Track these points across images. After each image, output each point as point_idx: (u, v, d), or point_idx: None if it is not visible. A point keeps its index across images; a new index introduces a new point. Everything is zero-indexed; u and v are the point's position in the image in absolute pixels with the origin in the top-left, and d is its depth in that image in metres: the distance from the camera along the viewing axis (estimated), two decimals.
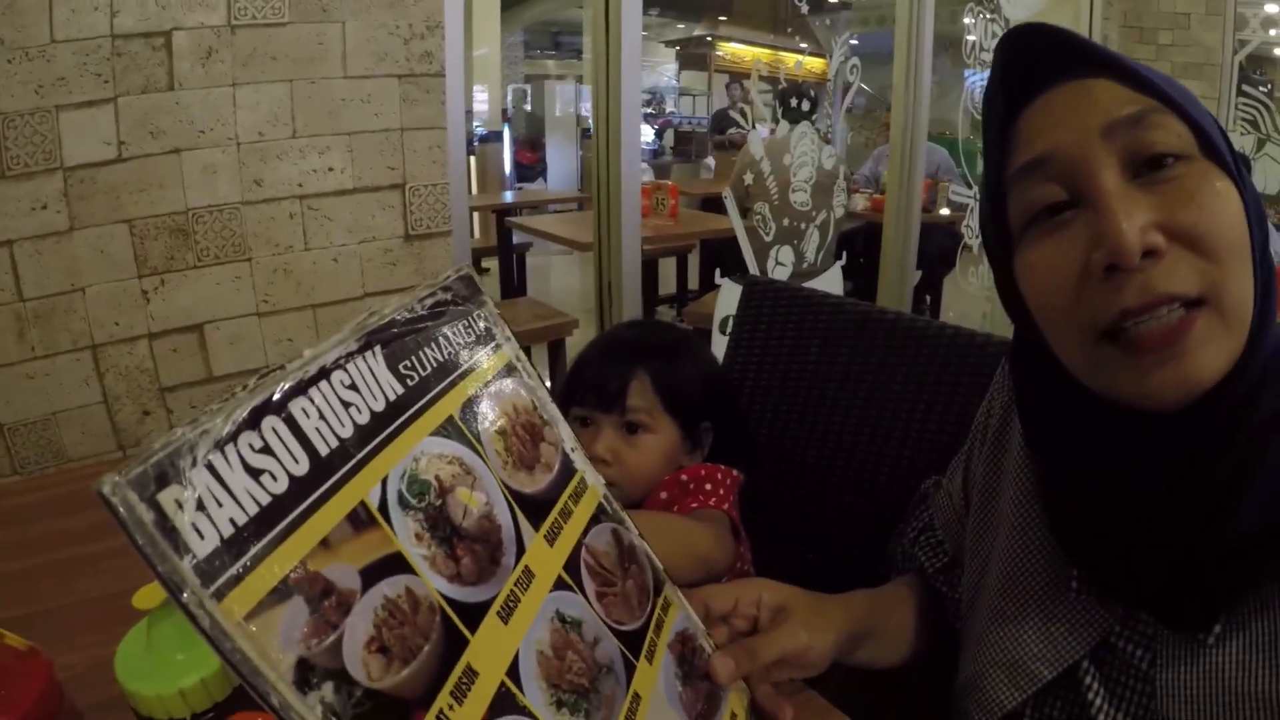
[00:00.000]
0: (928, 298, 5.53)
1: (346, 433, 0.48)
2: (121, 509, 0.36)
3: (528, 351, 0.68)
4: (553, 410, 0.68)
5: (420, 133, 2.08)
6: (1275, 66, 5.30)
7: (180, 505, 0.38)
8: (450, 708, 0.47)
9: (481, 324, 0.64)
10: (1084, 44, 0.69)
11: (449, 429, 0.56)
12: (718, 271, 2.97)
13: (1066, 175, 0.68)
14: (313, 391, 0.47)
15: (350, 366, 0.50)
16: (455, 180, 2.11)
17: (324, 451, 0.46)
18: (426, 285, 0.61)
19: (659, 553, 0.80)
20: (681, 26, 13.33)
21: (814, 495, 1.42)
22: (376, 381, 0.52)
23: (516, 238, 5.50)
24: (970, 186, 3.79)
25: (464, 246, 2.18)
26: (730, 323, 1.61)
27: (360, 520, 0.46)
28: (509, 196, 7.25)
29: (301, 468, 0.44)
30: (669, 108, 12.83)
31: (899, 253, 3.58)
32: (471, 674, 0.49)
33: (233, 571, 0.39)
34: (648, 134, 10.12)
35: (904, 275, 3.61)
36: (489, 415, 0.61)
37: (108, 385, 1.91)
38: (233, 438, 0.42)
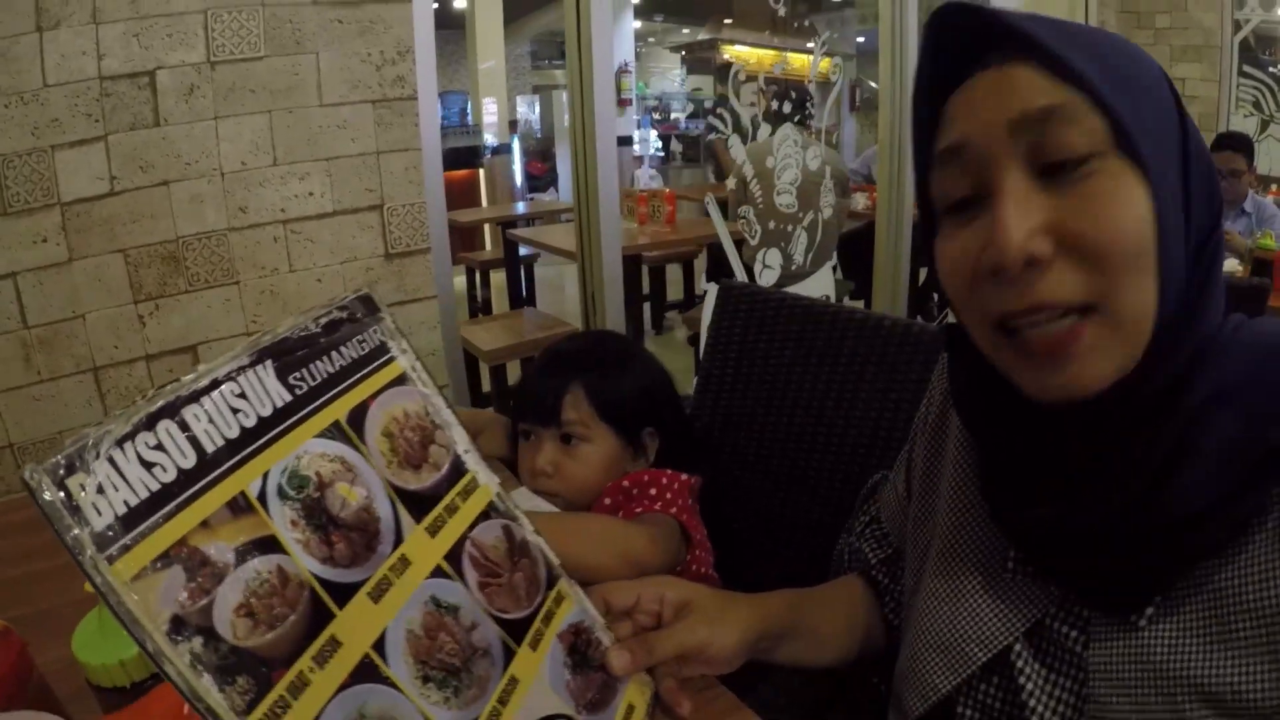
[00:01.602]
0: (935, 294, 5.54)
1: (233, 434, 0.57)
2: (36, 489, 0.46)
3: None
4: (446, 416, 0.74)
5: (396, 155, 2.16)
6: None
7: (83, 488, 0.48)
8: (310, 670, 0.54)
9: (377, 339, 0.71)
10: (1009, 25, 0.66)
11: (334, 431, 0.63)
12: (703, 277, 3.01)
13: (976, 168, 0.67)
14: (204, 399, 0.56)
15: (241, 378, 0.59)
16: (432, 198, 2.18)
17: (210, 450, 0.55)
18: (323, 306, 0.68)
19: (580, 552, 0.89)
20: (686, 31, 13.36)
21: (791, 497, 1.44)
22: (265, 391, 0.60)
23: (524, 249, 5.59)
24: None
25: (444, 262, 2.25)
26: None
27: (239, 507, 0.55)
28: (521, 207, 7.29)
29: (189, 462, 0.53)
30: (674, 114, 12.84)
31: (891, 251, 3.61)
32: (335, 644, 0.56)
33: (123, 542, 0.48)
34: (655, 141, 10.13)
35: (898, 273, 3.63)
36: (377, 420, 0.68)
37: (110, 405, 2.01)
38: (130, 436, 0.51)
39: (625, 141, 9.51)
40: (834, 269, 4.21)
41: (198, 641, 0.50)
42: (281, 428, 0.60)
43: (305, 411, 0.62)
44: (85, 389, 1.99)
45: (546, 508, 1.23)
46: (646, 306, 5.88)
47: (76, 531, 0.47)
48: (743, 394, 1.53)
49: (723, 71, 3.00)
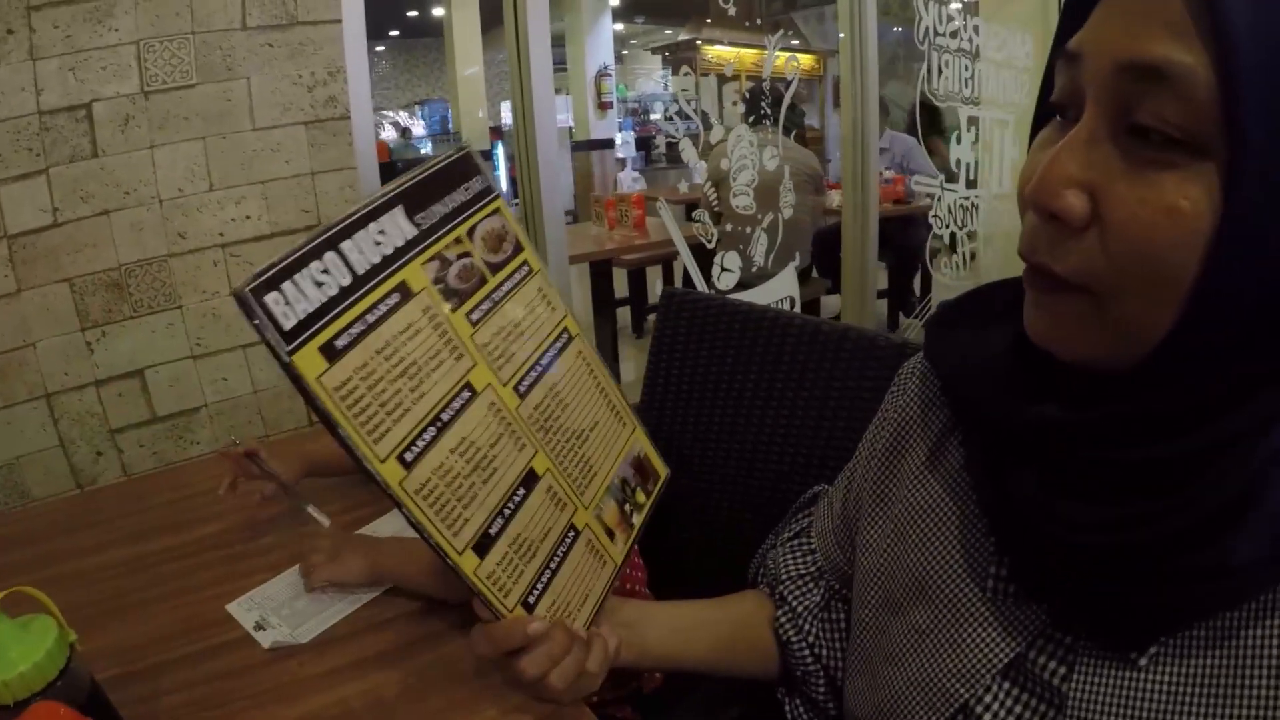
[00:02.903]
0: (916, 289, 5.56)
1: (377, 260, 0.75)
2: (248, 303, 0.66)
3: None
4: (514, 230, 0.91)
5: (330, 174, 2.19)
6: None
7: (277, 302, 0.67)
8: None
9: (480, 185, 0.87)
10: None
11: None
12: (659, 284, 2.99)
13: (1080, 86, 0.59)
14: (356, 235, 0.74)
15: (382, 219, 0.77)
16: None
17: (361, 271, 0.74)
18: (440, 157, 0.85)
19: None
20: (668, 32, 13.35)
21: (735, 505, 1.45)
22: (399, 228, 0.78)
23: None
24: (936, 176, 3.77)
25: None
26: None
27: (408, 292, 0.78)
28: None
29: (346, 280, 0.73)
30: (654, 115, 12.82)
31: (859, 248, 3.59)
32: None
33: (301, 338, 0.69)
34: (631, 144, 10.13)
35: (865, 270, 3.62)
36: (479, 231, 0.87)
37: (62, 430, 2.05)
38: (304, 264, 0.70)
39: (607, 144, 9.54)
40: (810, 269, 4.24)
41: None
42: (412, 254, 0.79)
43: (428, 241, 0.81)
44: (39, 415, 2.02)
45: None
46: (627, 310, 5.93)
47: (274, 334, 0.67)
48: (686, 401, 1.54)
49: (681, 68, 3.00)
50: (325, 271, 0.71)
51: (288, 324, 0.68)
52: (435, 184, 0.82)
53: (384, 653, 1.00)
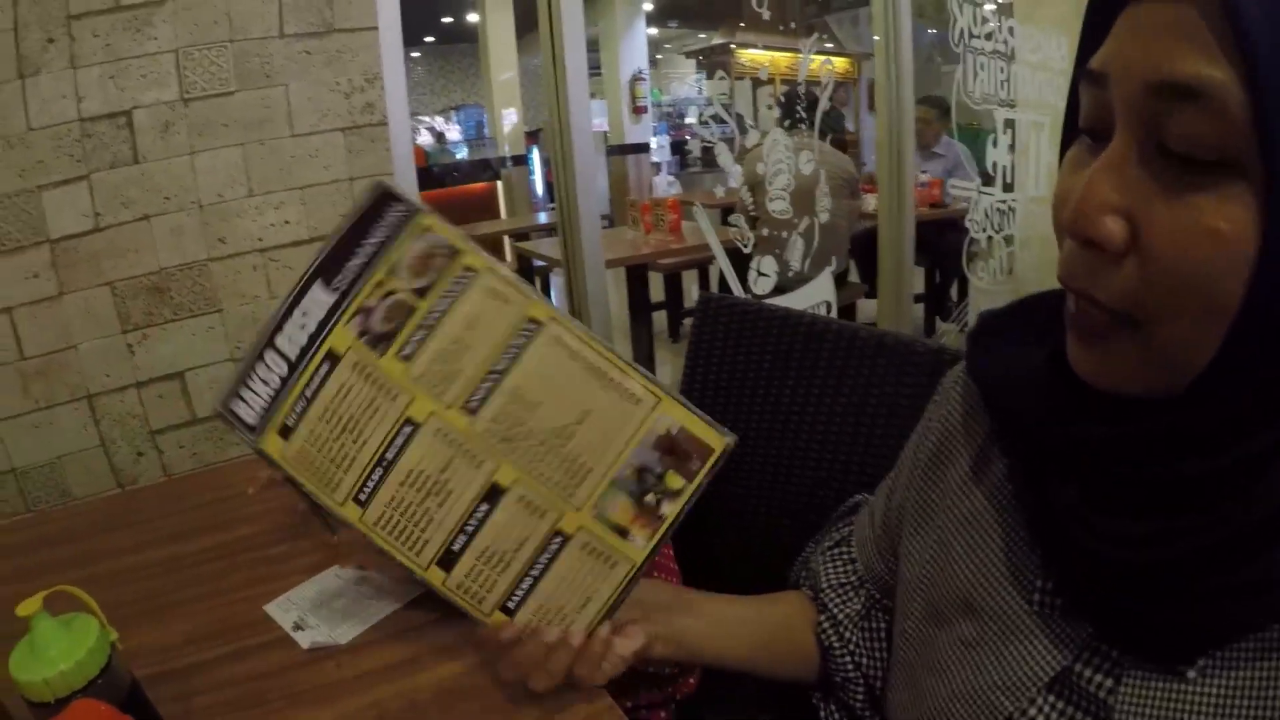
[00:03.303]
0: (953, 294, 5.52)
1: (304, 342, 0.85)
2: (224, 416, 0.86)
3: None
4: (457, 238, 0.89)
5: (368, 180, 2.20)
6: None
7: (239, 406, 0.87)
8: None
9: (400, 214, 0.86)
10: None
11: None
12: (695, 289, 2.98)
13: (1107, 107, 0.58)
14: (285, 325, 0.85)
15: (304, 301, 0.85)
16: None
17: (293, 357, 0.85)
18: (354, 209, 0.85)
19: None
20: (702, 36, 13.35)
21: (772, 511, 1.44)
22: (317, 303, 0.85)
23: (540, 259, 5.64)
24: (974, 180, 3.74)
25: None
26: None
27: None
28: (543, 218, 7.33)
29: (284, 371, 0.85)
30: (689, 119, 12.81)
31: (895, 253, 3.58)
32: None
33: (263, 429, 0.86)
34: (665, 148, 10.12)
35: (901, 274, 3.60)
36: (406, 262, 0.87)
37: (104, 431, 2.09)
38: (253, 369, 0.86)
39: (642, 149, 9.55)
40: (846, 273, 4.22)
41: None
42: (337, 316, 0.85)
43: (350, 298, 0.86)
44: (80, 415, 2.06)
45: None
46: (664, 314, 5.93)
47: (244, 433, 0.86)
48: (724, 406, 1.53)
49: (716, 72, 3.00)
50: (268, 368, 0.85)
51: (251, 421, 0.86)
52: (354, 235, 0.85)
53: (420, 655, 1.00)
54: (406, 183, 2.23)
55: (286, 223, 2.15)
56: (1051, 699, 0.68)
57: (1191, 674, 0.60)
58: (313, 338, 0.84)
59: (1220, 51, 0.50)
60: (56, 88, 1.92)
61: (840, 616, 1.00)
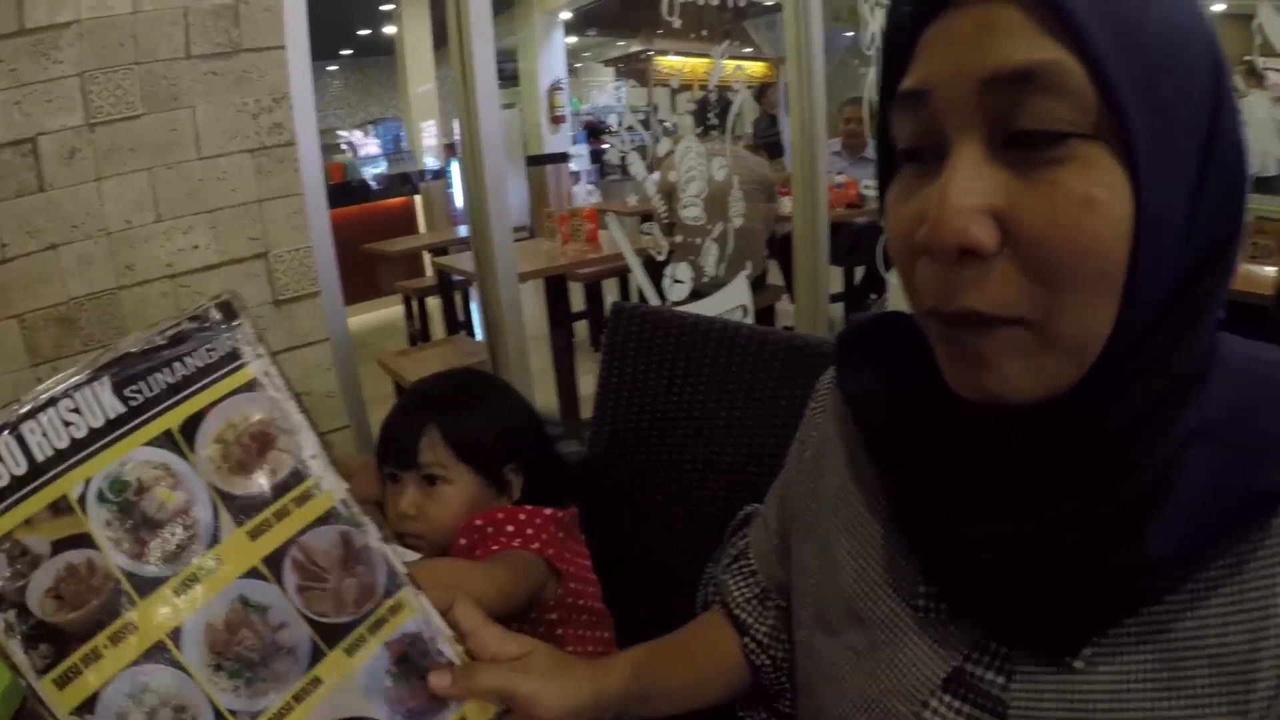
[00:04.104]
0: (873, 295, 5.55)
1: (63, 445, 0.66)
2: None
3: None
4: (295, 421, 0.75)
5: (278, 201, 2.19)
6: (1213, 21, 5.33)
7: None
8: (105, 646, 0.64)
9: (228, 346, 0.74)
10: None
11: (163, 440, 0.69)
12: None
13: (934, 122, 0.57)
14: (41, 415, 0.65)
15: (77, 395, 0.67)
16: (319, 241, 2.21)
17: (40, 458, 0.65)
18: (174, 317, 0.73)
19: None
20: (621, 44, 13.38)
21: (691, 518, 1.45)
22: (99, 404, 0.67)
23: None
24: None
25: (335, 303, 2.27)
26: None
27: (60, 508, 0.65)
28: (463, 231, 7.27)
29: (20, 469, 0.64)
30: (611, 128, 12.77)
31: (810, 254, 3.57)
32: (132, 628, 0.65)
33: None
34: (585, 157, 10.13)
35: (816, 275, 3.60)
36: (213, 426, 0.72)
37: None
38: None
39: (560, 159, 9.55)
40: (764, 277, 4.26)
41: (12, 613, 0.62)
42: (111, 438, 0.67)
43: (137, 421, 0.69)
44: None
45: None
46: (585, 324, 5.94)
47: None
48: (638, 416, 1.53)
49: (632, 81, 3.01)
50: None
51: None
52: (171, 344, 0.72)
53: None
54: (316, 203, 2.21)
55: (196, 247, 2.13)
56: (948, 699, 0.69)
57: (1078, 664, 0.61)
58: (78, 445, 0.67)
59: (1047, 37, 0.52)
60: None
61: (761, 635, 0.98)
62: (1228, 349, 0.61)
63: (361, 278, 7.26)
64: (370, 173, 9.33)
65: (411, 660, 0.75)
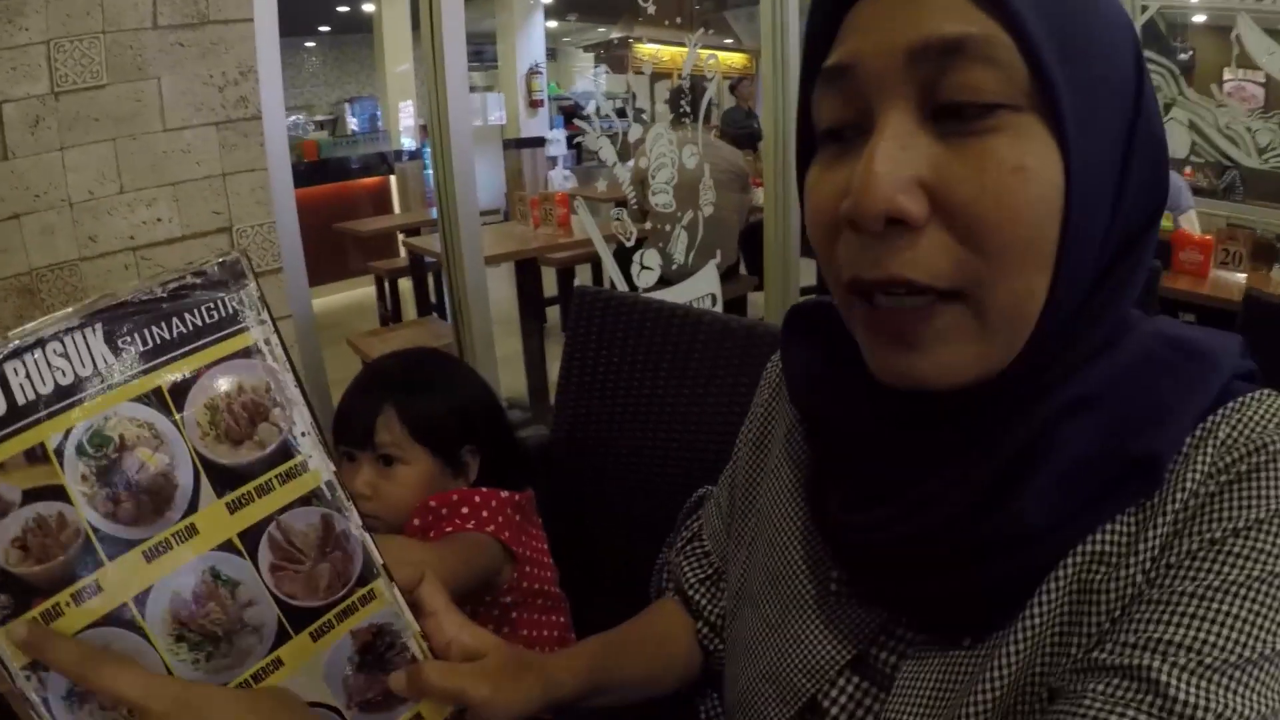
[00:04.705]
0: None
1: (46, 390, 0.62)
2: None
3: None
4: (290, 394, 0.71)
5: (242, 175, 2.17)
6: (1193, 32, 5.36)
7: None
8: (67, 604, 0.61)
9: (230, 307, 0.69)
10: None
11: (150, 398, 0.66)
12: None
13: (860, 95, 0.57)
14: (26, 355, 0.61)
15: (67, 339, 0.63)
16: (283, 217, 2.19)
17: (21, 401, 0.61)
18: (175, 271, 0.68)
19: None
20: (601, 30, 13.33)
21: (656, 492, 1.44)
22: (89, 352, 0.63)
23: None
24: None
25: (298, 281, 2.26)
26: None
27: (36, 456, 0.61)
28: (435, 213, 7.21)
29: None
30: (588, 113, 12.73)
31: (781, 245, 3.58)
32: (96, 588, 0.62)
33: None
34: (562, 142, 10.07)
35: (787, 266, 3.61)
36: (204, 390, 0.68)
37: None
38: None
39: (537, 143, 9.51)
40: (736, 266, 4.27)
41: None
42: (97, 389, 0.64)
43: (127, 375, 0.65)
44: None
45: None
46: (557, 310, 5.93)
47: None
48: (600, 400, 1.54)
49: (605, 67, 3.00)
50: None
51: None
52: (172, 298, 0.68)
53: None
54: (281, 178, 2.20)
55: (159, 220, 2.11)
56: (856, 680, 0.71)
57: (966, 641, 0.62)
58: (63, 391, 0.63)
59: (976, 11, 0.52)
60: None
61: (714, 617, 0.98)
62: (1144, 327, 0.62)
63: (334, 257, 7.22)
64: (345, 153, 9.22)
65: (375, 651, 0.73)
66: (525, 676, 0.79)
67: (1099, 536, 0.58)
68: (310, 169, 8.16)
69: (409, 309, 6.29)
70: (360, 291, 7.62)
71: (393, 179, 8.63)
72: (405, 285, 6.25)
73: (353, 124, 11.50)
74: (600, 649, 0.93)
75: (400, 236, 6.93)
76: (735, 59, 10.92)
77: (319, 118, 11.94)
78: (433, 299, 6.01)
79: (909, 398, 0.60)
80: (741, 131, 7.68)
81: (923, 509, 0.60)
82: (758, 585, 0.82)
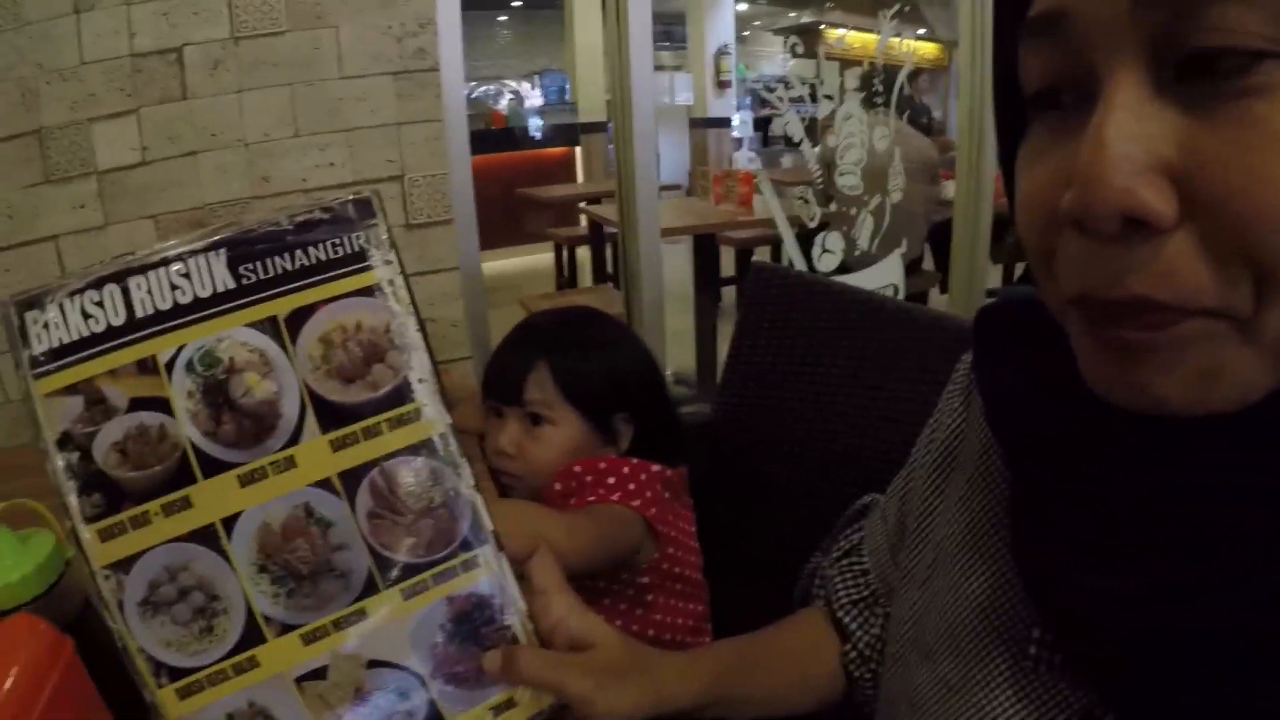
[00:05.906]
0: None
1: (165, 306, 0.63)
2: (2, 315, 0.61)
3: None
4: (410, 338, 0.68)
5: (417, 126, 2.19)
6: None
7: (35, 321, 0.61)
8: (155, 513, 0.62)
9: (357, 245, 0.67)
10: None
11: (266, 326, 0.65)
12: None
13: (1076, 52, 0.42)
14: (150, 273, 0.62)
15: (191, 261, 0.63)
16: (457, 170, 2.20)
17: (140, 315, 0.62)
18: (305, 206, 0.67)
19: None
20: (792, 15, 13.17)
21: (820, 488, 1.33)
22: (210, 275, 0.64)
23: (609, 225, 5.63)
24: None
25: (468, 234, 2.27)
26: None
27: (147, 367, 0.63)
28: None
29: (119, 320, 0.62)
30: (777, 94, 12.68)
31: (970, 244, 3.42)
32: (186, 503, 0.63)
33: (47, 367, 0.61)
34: (748, 123, 10.01)
35: (975, 265, 3.45)
36: (321, 324, 0.66)
37: None
38: (79, 291, 0.62)
39: (723, 123, 9.46)
40: (920, 260, 4.10)
41: (75, 456, 0.61)
42: (214, 310, 0.64)
43: (245, 300, 0.65)
44: None
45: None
46: (734, 290, 5.84)
47: (20, 350, 0.61)
48: (768, 383, 1.45)
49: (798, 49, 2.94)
50: (99, 304, 0.62)
51: (40, 348, 0.62)
52: (297, 232, 0.66)
53: None
54: (457, 131, 2.22)
55: (331, 164, 2.15)
56: None
57: None
58: (181, 310, 0.63)
59: None
60: (110, 23, 1.95)
61: (864, 645, 0.86)
62: None
63: (516, 223, 7.42)
64: (533, 123, 9.38)
65: (472, 623, 0.69)
66: (636, 679, 0.71)
67: None
68: (498, 136, 8.44)
69: (585, 277, 6.33)
70: (539, 258, 7.76)
71: (578, 150, 8.74)
72: (584, 254, 6.29)
73: (540, 95, 11.68)
74: (732, 657, 0.84)
75: (582, 206, 6.98)
76: (928, 49, 10.59)
77: (510, 84, 12.18)
78: (609, 269, 6.02)
79: (1149, 425, 0.45)
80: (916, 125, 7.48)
81: (1204, 591, 0.44)
82: (933, 635, 0.67)
